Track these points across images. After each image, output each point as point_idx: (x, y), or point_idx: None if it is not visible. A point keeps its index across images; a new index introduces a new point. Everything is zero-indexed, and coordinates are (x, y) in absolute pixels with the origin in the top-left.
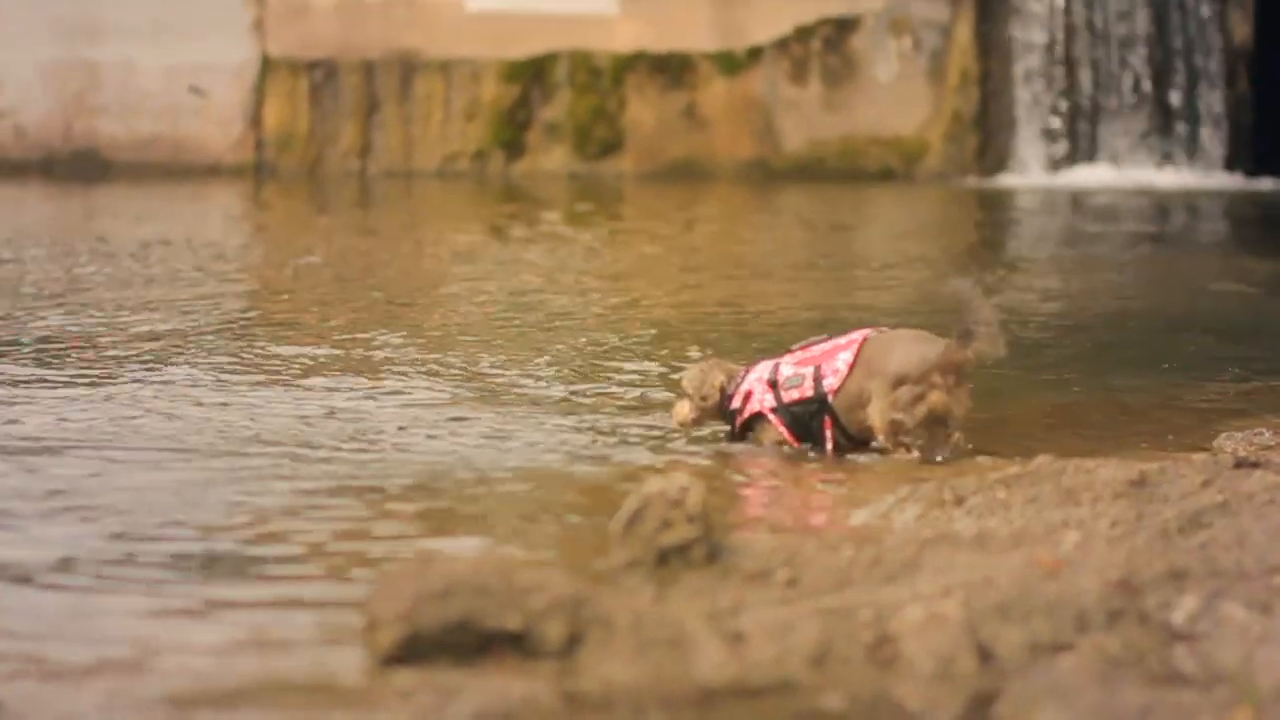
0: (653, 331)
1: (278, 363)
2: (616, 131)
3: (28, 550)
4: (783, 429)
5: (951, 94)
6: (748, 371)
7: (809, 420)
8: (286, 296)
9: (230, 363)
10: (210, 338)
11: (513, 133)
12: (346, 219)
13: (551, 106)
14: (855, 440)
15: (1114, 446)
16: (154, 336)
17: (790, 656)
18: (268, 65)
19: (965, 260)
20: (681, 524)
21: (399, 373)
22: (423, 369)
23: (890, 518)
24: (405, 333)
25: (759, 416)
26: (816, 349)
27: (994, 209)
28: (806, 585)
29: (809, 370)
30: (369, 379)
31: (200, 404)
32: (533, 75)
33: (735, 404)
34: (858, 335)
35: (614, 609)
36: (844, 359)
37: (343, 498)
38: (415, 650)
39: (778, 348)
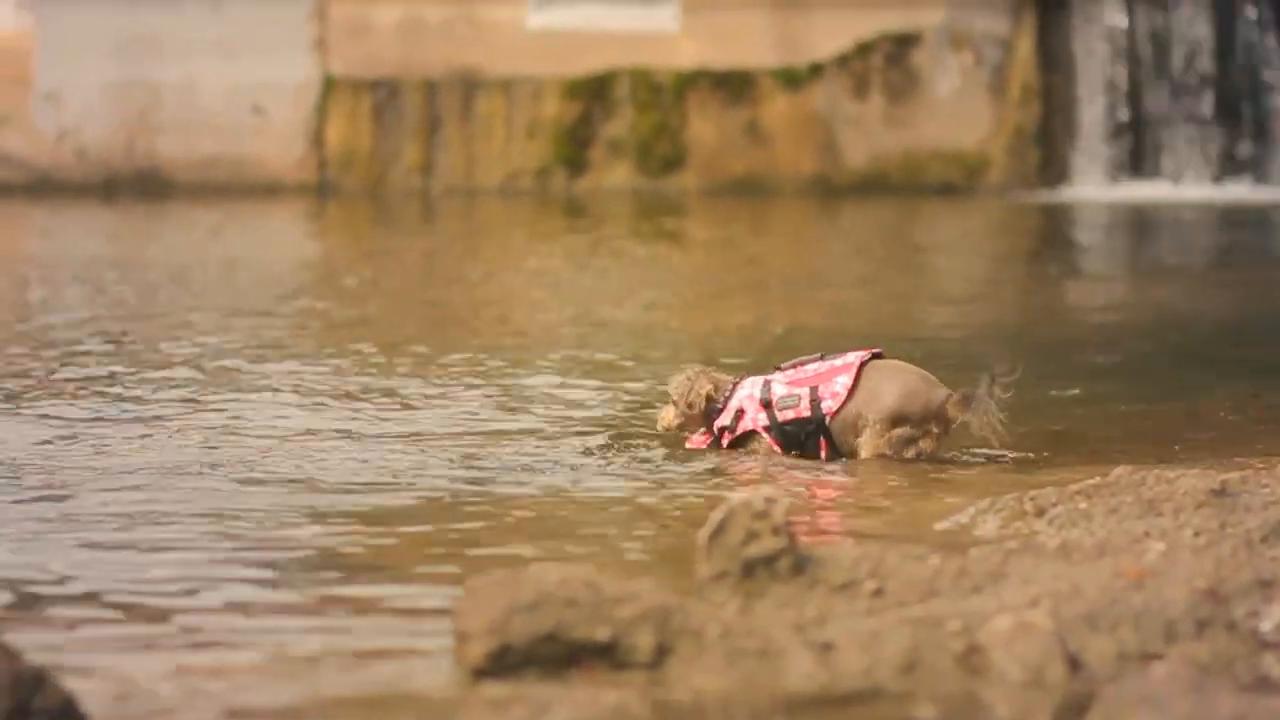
0: (699, 350)
1: (305, 383)
2: (679, 148)
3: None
4: (776, 446)
5: (1013, 108)
6: (736, 386)
7: (804, 439)
8: (322, 316)
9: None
10: (240, 359)
11: (575, 150)
12: (406, 238)
13: (613, 123)
14: (843, 455)
15: (1192, 456)
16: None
17: (880, 666)
18: (330, 84)
19: (1029, 278)
20: (767, 535)
21: (445, 391)
22: (466, 388)
23: (972, 529)
24: (452, 350)
25: (752, 434)
26: (810, 369)
27: (1056, 222)
28: (893, 595)
29: (805, 391)
30: (417, 397)
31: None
32: (594, 92)
33: (725, 420)
34: (853, 358)
35: (703, 620)
36: (842, 383)
37: (415, 515)
38: (505, 662)
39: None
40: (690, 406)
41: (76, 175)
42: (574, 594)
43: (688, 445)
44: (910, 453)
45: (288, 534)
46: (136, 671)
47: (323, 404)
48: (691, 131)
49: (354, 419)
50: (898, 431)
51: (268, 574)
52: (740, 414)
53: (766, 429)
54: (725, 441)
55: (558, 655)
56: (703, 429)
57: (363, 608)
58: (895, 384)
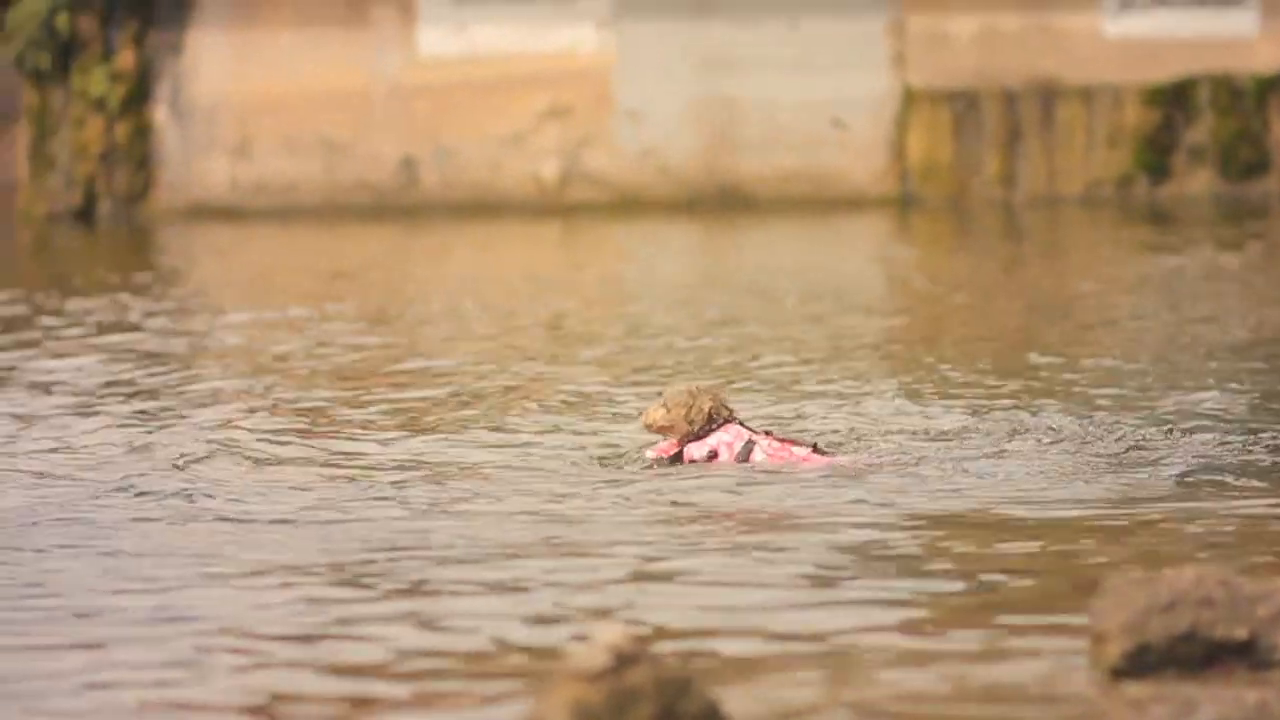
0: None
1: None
2: (1261, 152)
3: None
4: None
5: None
6: (725, 423)
7: None
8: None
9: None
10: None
11: (1156, 157)
12: (988, 249)
13: (1194, 130)
14: None
15: None
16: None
17: None
18: (909, 96)
19: None
20: None
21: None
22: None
23: None
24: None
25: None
26: (797, 454)
27: None
28: None
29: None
30: (1028, 404)
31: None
32: (1174, 99)
33: (696, 454)
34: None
35: None
36: None
37: (1045, 522)
38: (1143, 662)
39: None
40: (690, 422)
41: (660, 193)
42: (1210, 593)
43: (650, 451)
44: None
45: (908, 543)
46: (777, 680)
47: (932, 410)
48: (1274, 136)
49: (963, 418)
50: None
51: (895, 579)
52: (714, 456)
53: None
54: (685, 460)
55: (1195, 655)
56: (675, 443)
57: (997, 610)
58: None
